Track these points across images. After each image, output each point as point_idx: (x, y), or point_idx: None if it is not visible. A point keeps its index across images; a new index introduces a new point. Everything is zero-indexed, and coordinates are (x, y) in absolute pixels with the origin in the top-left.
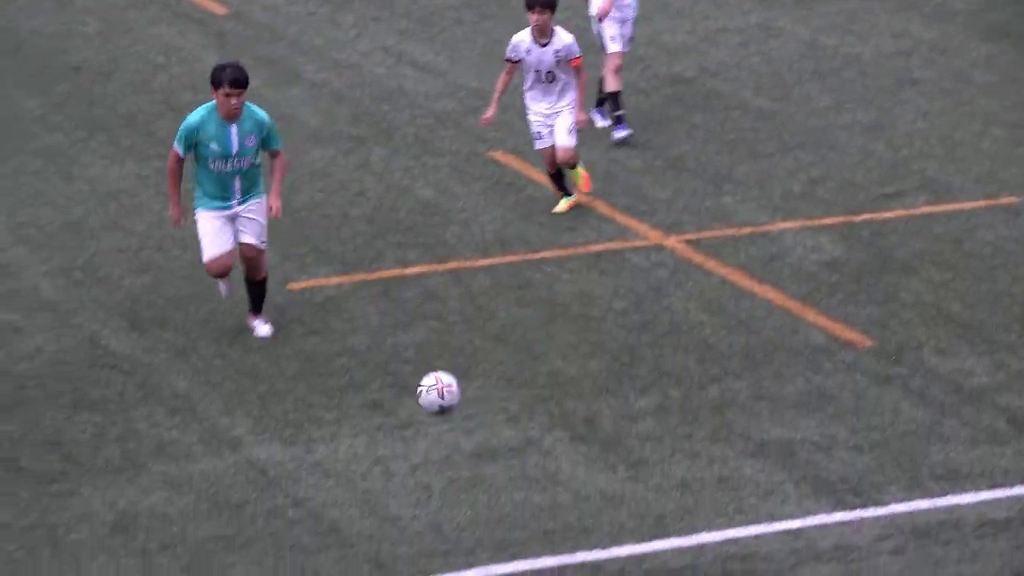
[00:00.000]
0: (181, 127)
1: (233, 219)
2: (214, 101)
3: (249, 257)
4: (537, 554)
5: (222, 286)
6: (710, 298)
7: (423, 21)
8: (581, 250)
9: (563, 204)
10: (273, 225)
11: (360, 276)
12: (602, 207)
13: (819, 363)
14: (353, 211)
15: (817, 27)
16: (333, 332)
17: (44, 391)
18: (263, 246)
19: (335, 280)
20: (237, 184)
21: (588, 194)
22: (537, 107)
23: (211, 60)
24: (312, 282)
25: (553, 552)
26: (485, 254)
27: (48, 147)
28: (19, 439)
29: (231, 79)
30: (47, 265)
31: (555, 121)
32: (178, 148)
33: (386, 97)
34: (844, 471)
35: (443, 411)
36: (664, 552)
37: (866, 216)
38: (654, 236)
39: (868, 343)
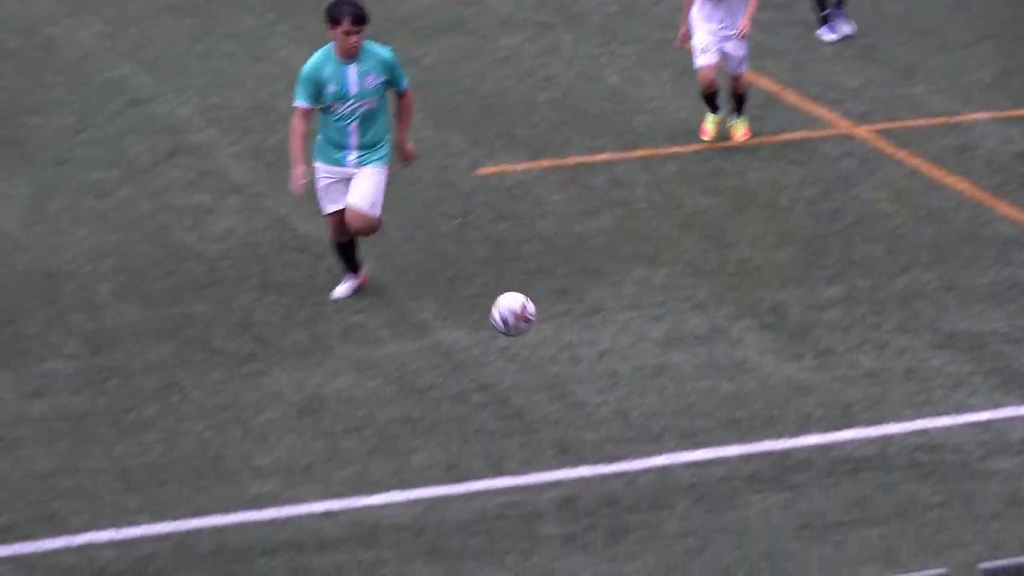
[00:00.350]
0: (299, 78)
1: (347, 180)
2: (330, 43)
3: (355, 223)
4: (723, 442)
5: (343, 286)
6: (900, 188)
7: None
8: (770, 139)
9: (710, 124)
10: (462, 111)
11: (548, 162)
12: (792, 96)
13: (1009, 254)
14: (541, 97)
15: None
16: (521, 217)
17: (235, 272)
18: (373, 211)
19: (523, 166)
20: (355, 134)
21: (781, 83)
22: (707, 26)
23: None
24: (500, 167)
25: (739, 440)
26: (674, 142)
27: (238, 30)
28: (211, 320)
29: (351, 15)
30: (237, 147)
31: (725, 44)
32: (301, 103)
33: None
34: None
35: (507, 329)
36: (851, 442)
37: None
38: (844, 125)
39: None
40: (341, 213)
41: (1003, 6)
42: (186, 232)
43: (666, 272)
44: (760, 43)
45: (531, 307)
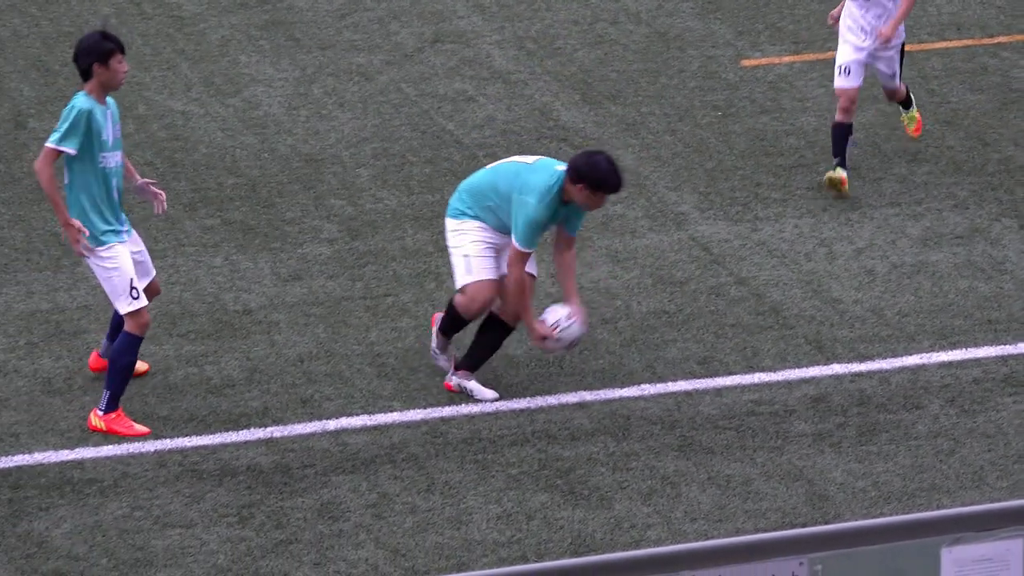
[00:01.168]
0: (530, 222)
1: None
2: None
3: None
4: (978, 343)
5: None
6: None
7: None
8: None
9: (839, 173)
10: (728, 1)
11: (812, 56)
12: None
13: None
14: None
15: None
16: (783, 111)
17: (495, 160)
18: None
19: (787, 59)
20: None
21: None
22: (853, 22)
23: None
24: (764, 60)
25: (995, 342)
26: (940, 37)
27: None
28: None
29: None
30: (500, 35)
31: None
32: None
33: None
34: None
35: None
36: None
37: None
38: None
39: None
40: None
41: None
42: (447, 119)
43: (927, 170)
44: None
45: (565, 322)
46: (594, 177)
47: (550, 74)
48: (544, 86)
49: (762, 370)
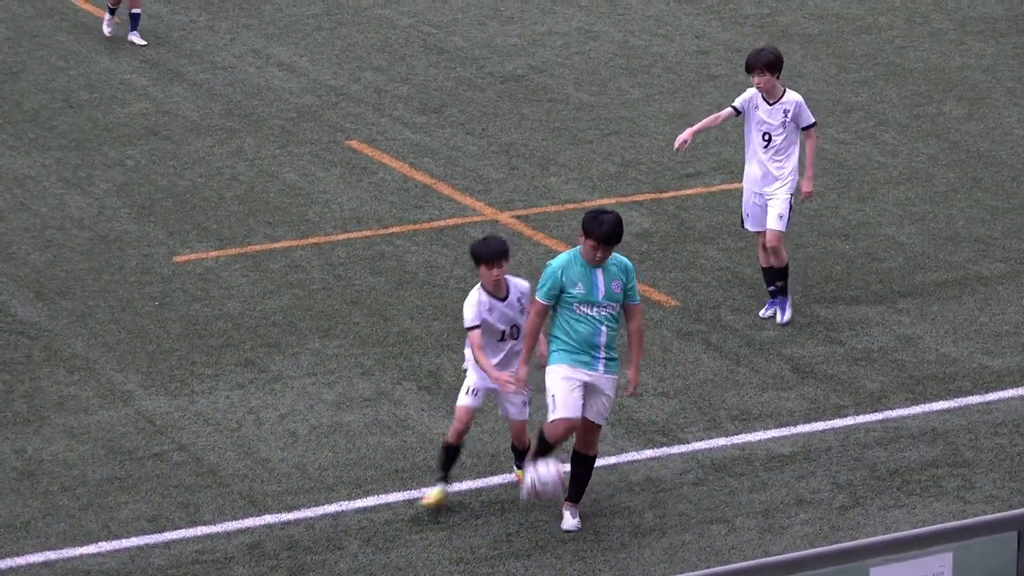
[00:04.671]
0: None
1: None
2: (578, 247)
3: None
4: (388, 490)
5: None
6: (537, 266)
7: (288, 27)
8: (426, 225)
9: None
10: (159, 206)
11: (234, 250)
12: (444, 188)
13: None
14: (228, 193)
15: (629, 30)
16: (212, 299)
17: None
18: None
19: (213, 253)
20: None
21: (434, 177)
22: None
23: (104, 63)
24: (194, 255)
25: (402, 488)
26: (343, 230)
27: None
28: None
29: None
30: None
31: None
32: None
33: (256, 93)
34: (652, 414)
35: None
36: (498, 486)
37: (671, 193)
38: (490, 212)
39: (673, 303)
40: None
41: (623, 107)
42: None
43: (338, 343)
44: (417, 142)
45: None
46: (585, 226)
47: (6, 276)
48: (1, 287)
49: (204, 524)
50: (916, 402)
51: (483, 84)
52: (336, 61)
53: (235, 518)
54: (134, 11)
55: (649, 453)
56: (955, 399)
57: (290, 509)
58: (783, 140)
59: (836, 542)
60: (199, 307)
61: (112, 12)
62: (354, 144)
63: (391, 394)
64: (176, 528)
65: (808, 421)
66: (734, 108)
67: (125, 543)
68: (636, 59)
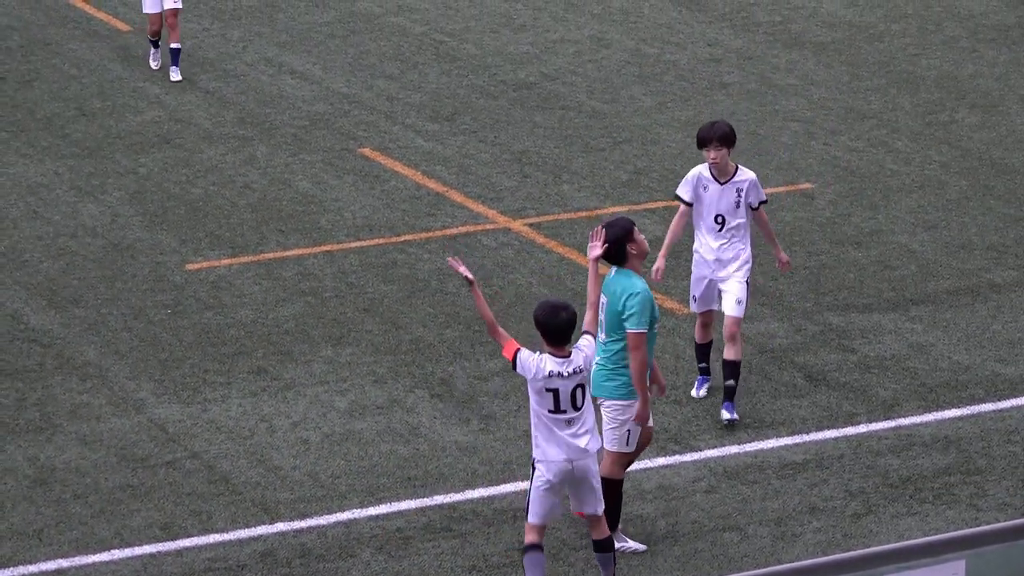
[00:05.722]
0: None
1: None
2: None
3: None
4: (400, 498)
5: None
6: (550, 274)
7: (300, 35)
8: (439, 233)
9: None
10: (172, 214)
11: (247, 258)
12: (456, 196)
13: None
14: (240, 201)
15: (641, 38)
16: (224, 306)
17: None
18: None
19: (226, 261)
20: None
21: (447, 185)
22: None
23: (117, 71)
24: (206, 263)
25: (415, 496)
26: (356, 238)
27: None
28: None
29: None
30: None
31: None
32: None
33: (268, 101)
34: (666, 422)
35: None
36: (511, 494)
37: None
38: (502, 220)
39: (686, 311)
40: None
41: (635, 114)
42: None
43: (350, 351)
44: (429, 150)
45: None
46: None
47: (19, 284)
48: (14, 295)
49: (216, 531)
50: (929, 410)
51: (495, 92)
52: (348, 69)
53: (247, 526)
54: (173, 46)
55: (661, 461)
56: (968, 407)
57: (302, 517)
58: (738, 221)
59: (848, 550)
60: (211, 315)
61: (155, 45)
62: (366, 152)
63: (403, 402)
64: (188, 536)
65: (820, 429)
66: (683, 201)
67: (137, 551)
68: (648, 67)
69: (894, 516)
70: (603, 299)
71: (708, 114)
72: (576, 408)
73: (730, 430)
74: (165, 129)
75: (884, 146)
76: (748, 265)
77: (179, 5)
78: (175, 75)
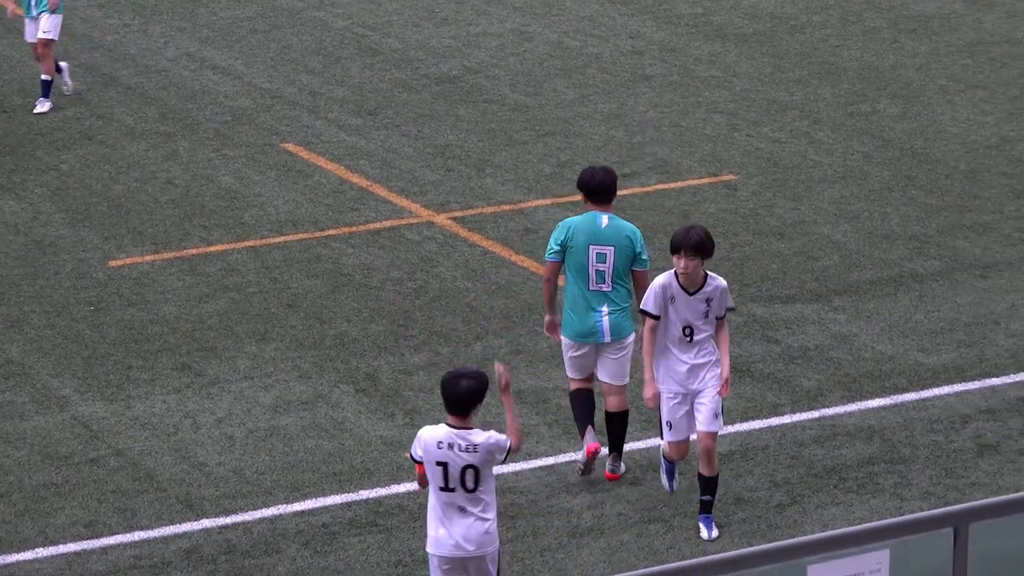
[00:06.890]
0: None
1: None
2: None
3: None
4: (326, 493)
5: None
6: (474, 267)
7: (222, 31)
8: (362, 228)
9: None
10: (95, 211)
11: (170, 254)
12: (380, 190)
13: None
14: (163, 197)
15: (563, 30)
16: (147, 303)
17: None
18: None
19: (148, 258)
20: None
21: (370, 179)
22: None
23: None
24: (129, 260)
25: (340, 491)
26: (279, 233)
27: None
28: None
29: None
30: None
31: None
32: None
33: (190, 97)
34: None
35: None
36: None
37: None
38: (425, 214)
39: None
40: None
41: (558, 107)
42: None
43: (275, 347)
44: (352, 145)
45: None
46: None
47: None
48: None
49: (141, 529)
50: (852, 400)
51: (418, 86)
52: (271, 64)
53: (172, 523)
54: (43, 77)
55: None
56: (891, 396)
57: (227, 513)
58: (707, 333)
59: (773, 540)
60: (135, 311)
61: (58, 70)
62: (290, 147)
63: (328, 397)
64: (113, 533)
65: (745, 420)
66: (651, 316)
67: (62, 549)
68: (571, 60)
69: (819, 506)
70: (606, 249)
71: (631, 106)
72: (467, 490)
73: (652, 422)
74: (86, 125)
75: (806, 137)
76: (719, 372)
77: (51, 36)
78: (42, 106)
